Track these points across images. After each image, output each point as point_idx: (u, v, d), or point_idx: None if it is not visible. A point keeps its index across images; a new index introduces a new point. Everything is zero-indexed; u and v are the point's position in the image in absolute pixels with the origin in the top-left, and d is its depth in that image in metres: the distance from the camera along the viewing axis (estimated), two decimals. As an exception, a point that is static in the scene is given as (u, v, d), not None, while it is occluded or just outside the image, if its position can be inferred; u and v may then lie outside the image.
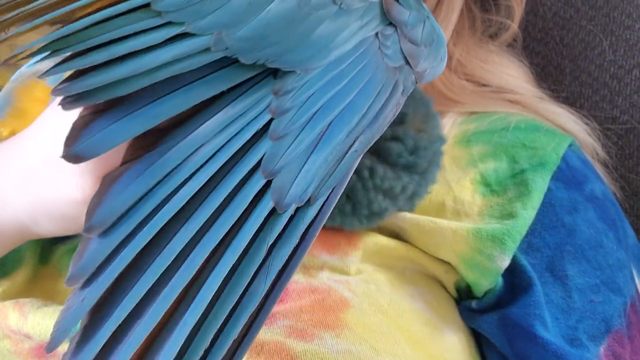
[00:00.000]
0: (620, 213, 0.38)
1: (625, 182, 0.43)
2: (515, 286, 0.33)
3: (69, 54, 0.22)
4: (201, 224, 0.21)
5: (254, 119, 0.22)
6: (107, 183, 0.21)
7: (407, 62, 0.25)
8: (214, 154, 0.22)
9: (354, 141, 0.23)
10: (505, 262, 0.33)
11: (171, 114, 0.22)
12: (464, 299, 0.34)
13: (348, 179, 0.24)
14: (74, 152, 0.21)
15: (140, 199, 0.21)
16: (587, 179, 0.37)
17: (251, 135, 0.22)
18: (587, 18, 0.46)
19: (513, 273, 0.33)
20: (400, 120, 0.32)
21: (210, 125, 0.22)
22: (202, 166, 0.22)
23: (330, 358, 0.28)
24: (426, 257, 0.34)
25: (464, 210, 0.35)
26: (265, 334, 0.28)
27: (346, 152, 0.23)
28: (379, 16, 0.24)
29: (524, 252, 0.33)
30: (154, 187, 0.21)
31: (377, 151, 0.33)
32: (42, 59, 0.22)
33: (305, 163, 0.22)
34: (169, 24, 0.22)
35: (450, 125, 0.41)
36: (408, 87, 0.25)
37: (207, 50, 0.22)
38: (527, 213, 0.34)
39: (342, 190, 0.23)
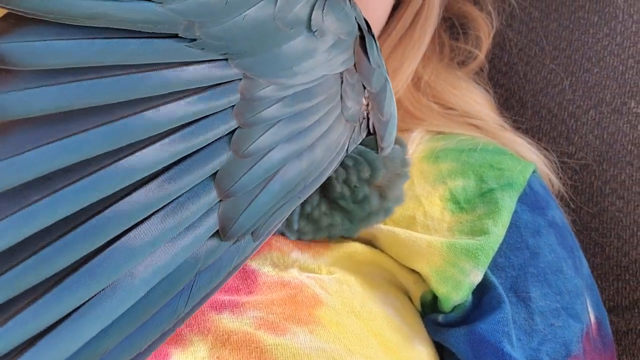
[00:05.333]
0: (576, 242, 0.39)
1: (576, 216, 0.44)
2: (483, 302, 0.33)
3: None
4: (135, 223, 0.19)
5: (219, 112, 0.21)
6: None
7: (361, 127, 0.25)
8: (170, 142, 0.20)
9: (302, 187, 0.23)
10: (478, 277, 0.32)
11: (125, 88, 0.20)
12: (427, 312, 0.34)
13: (281, 223, 0.23)
14: None
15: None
16: (549, 205, 0.38)
17: (214, 132, 0.20)
18: (550, 57, 0.48)
19: (482, 289, 0.33)
20: (370, 175, 0.30)
21: (173, 108, 0.20)
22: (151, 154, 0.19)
23: (303, 354, 0.26)
24: (397, 266, 0.33)
25: (433, 226, 0.35)
26: (232, 323, 0.26)
27: (292, 196, 0.22)
28: (348, 58, 0.24)
29: (490, 270, 0.33)
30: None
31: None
32: None
33: (258, 194, 0.21)
34: None
35: (418, 141, 0.41)
36: (351, 147, 0.25)
37: (172, 29, 0.20)
38: (498, 230, 0.34)
39: (270, 234, 0.22)
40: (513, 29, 0.49)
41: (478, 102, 0.46)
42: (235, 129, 0.21)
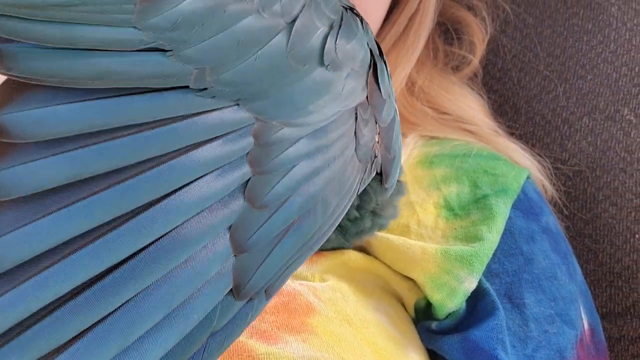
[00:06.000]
0: (570, 248, 0.39)
1: (570, 223, 0.44)
2: (477, 309, 0.32)
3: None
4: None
5: (232, 160, 0.19)
6: None
7: (372, 166, 0.23)
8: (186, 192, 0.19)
9: (316, 239, 0.21)
10: (472, 285, 0.32)
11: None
12: (420, 319, 0.34)
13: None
14: None
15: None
16: (542, 211, 0.38)
17: (227, 182, 0.19)
18: (544, 64, 0.48)
19: (476, 296, 0.33)
20: (362, 204, 0.29)
21: (185, 162, 0.19)
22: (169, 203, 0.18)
23: (295, 363, 0.26)
24: (390, 273, 0.33)
25: (427, 234, 0.35)
26: (225, 332, 0.26)
27: (307, 248, 0.21)
28: (361, 89, 0.23)
29: (484, 276, 0.33)
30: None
31: None
32: None
33: (274, 248, 0.20)
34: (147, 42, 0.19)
35: (412, 146, 0.41)
36: (361, 189, 0.23)
37: (183, 81, 0.19)
38: (493, 237, 0.34)
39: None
40: (507, 35, 0.49)
41: (472, 107, 0.46)
42: (250, 177, 0.19)
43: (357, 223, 0.29)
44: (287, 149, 0.20)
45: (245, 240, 0.19)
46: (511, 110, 0.48)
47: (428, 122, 0.44)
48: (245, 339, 0.26)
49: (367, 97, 0.23)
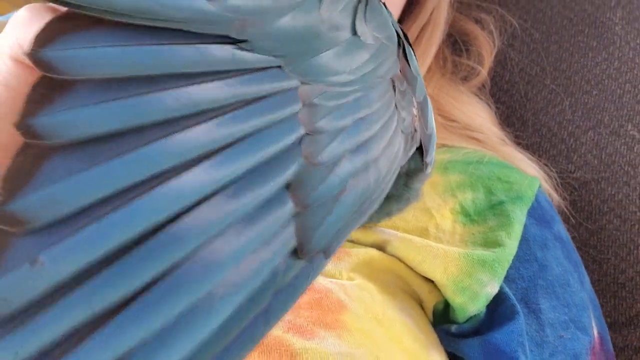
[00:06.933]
0: (579, 257, 0.39)
1: (575, 233, 0.45)
2: (496, 313, 0.33)
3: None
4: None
5: (284, 119, 0.19)
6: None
7: (412, 139, 0.24)
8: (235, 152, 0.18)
9: (369, 203, 0.21)
10: (494, 289, 0.32)
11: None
12: (437, 322, 0.34)
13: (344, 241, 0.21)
14: (44, 56, 0.17)
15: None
16: (554, 220, 0.38)
17: (283, 141, 0.19)
18: (551, 78, 0.49)
19: (495, 300, 0.33)
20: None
21: (234, 119, 0.19)
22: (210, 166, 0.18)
23: (331, 359, 0.26)
24: (412, 274, 0.33)
25: (445, 238, 0.35)
26: (262, 326, 0.26)
27: (361, 211, 0.21)
28: (393, 63, 0.23)
29: (503, 280, 0.34)
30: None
31: None
32: None
33: (333, 207, 0.20)
34: None
35: (424, 153, 0.42)
36: (403, 162, 0.23)
37: (224, 29, 0.19)
38: (512, 243, 0.34)
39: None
40: (515, 48, 0.50)
41: (480, 115, 0.47)
42: (303, 136, 0.20)
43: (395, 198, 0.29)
44: (332, 112, 0.20)
45: (307, 196, 0.19)
46: (518, 122, 0.49)
47: (437, 129, 0.45)
48: (282, 333, 0.26)
49: (400, 71, 0.23)
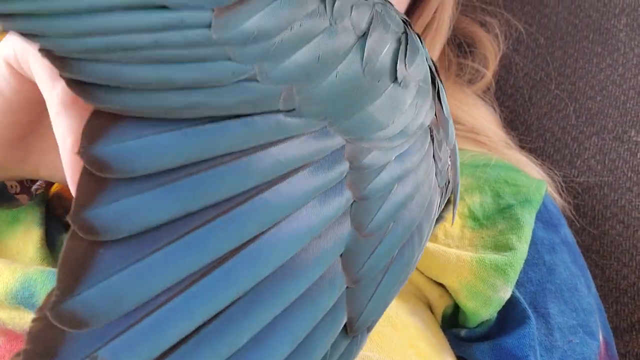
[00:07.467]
0: (585, 262, 0.39)
1: (578, 238, 0.45)
2: (507, 317, 0.33)
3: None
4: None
5: (333, 186, 0.18)
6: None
7: (446, 191, 0.22)
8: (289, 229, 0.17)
9: (411, 268, 0.20)
10: (507, 294, 0.32)
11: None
12: (446, 327, 0.34)
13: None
14: (97, 153, 0.16)
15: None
16: (560, 224, 0.39)
17: (334, 209, 0.18)
18: (555, 83, 0.49)
19: (506, 305, 0.33)
20: None
21: (287, 190, 0.18)
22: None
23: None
24: (423, 278, 0.33)
25: (454, 244, 0.35)
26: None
27: (402, 279, 0.20)
28: (430, 107, 0.22)
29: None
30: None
31: None
32: None
33: (382, 279, 0.19)
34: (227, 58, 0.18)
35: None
36: (436, 214, 0.22)
37: (273, 104, 0.18)
38: (522, 246, 0.34)
39: None
40: (519, 53, 0.51)
41: (485, 118, 0.47)
42: (352, 203, 0.18)
43: None
44: (380, 173, 0.19)
45: (358, 270, 0.18)
46: (522, 126, 0.50)
47: None
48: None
49: (435, 116, 0.22)
